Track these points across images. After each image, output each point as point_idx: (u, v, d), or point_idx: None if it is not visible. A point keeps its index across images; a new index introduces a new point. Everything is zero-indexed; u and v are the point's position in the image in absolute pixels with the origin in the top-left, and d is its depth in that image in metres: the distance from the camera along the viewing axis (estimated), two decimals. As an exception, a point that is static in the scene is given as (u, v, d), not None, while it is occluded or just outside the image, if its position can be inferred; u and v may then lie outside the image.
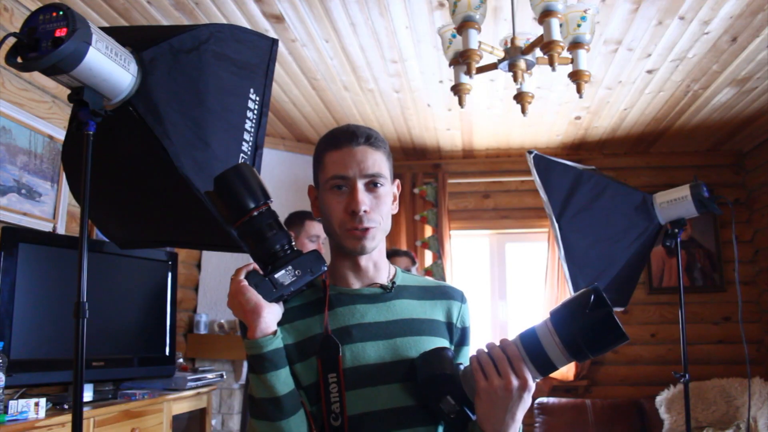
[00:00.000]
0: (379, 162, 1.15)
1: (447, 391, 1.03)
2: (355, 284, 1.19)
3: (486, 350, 1.04)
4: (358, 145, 1.15)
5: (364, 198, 1.13)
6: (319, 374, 1.08)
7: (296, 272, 1.08)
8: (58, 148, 2.72)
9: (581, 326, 0.97)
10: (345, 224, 1.14)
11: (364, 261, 1.19)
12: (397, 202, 1.24)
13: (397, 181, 1.26)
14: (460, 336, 1.22)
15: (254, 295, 1.04)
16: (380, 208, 1.15)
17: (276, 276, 1.07)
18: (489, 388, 0.99)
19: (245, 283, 1.05)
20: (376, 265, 1.21)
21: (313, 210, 1.23)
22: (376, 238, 1.15)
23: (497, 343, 1.04)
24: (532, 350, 1.00)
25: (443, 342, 1.18)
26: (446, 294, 1.25)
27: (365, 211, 1.12)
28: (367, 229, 1.13)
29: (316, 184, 1.22)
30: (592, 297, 0.97)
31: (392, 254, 3.29)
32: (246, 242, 1.10)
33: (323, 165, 1.18)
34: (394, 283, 1.21)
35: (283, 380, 1.05)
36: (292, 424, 1.04)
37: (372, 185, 1.15)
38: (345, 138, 1.15)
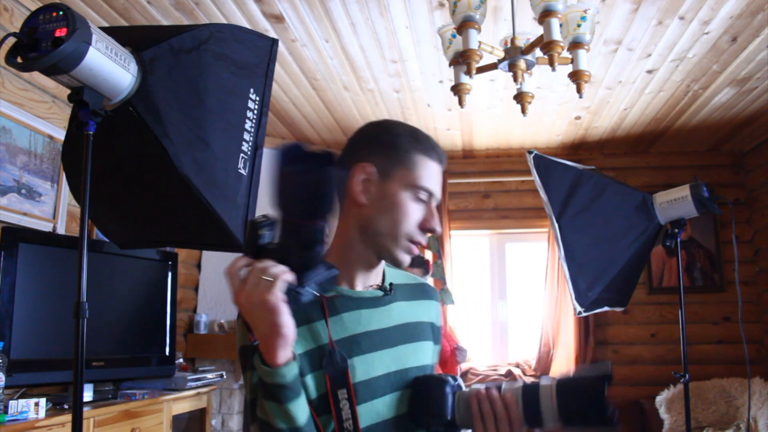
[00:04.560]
0: None
1: (441, 426, 1.04)
2: (359, 286, 1.11)
3: (487, 397, 1.02)
4: (442, 166, 1.12)
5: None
6: (327, 389, 1.01)
7: (317, 287, 0.97)
8: (58, 148, 2.72)
9: (585, 416, 0.99)
10: (413, 236, 1.07)
11: (381, 265, 1.14)
12: None
13: None
14: (435, 335, 1.21)
15: (290, 320, 0.89)
16: None
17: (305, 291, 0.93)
18: None
19: (283, 303, 0.88)
20: (377, 267, 1.14)
21: (355, 189, 1.08)
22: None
23: (499, 388, 1.03)
24: (529, 411, 1.01)
25: (430, 345, 1.17)
26: (427, 293, 1.23)
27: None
28: (422, 247, 1.11)
29: (386, 170, 1.08)
30: (606, 386, 0.98)
31: None
32: (286, 245, 0.93)
33: (415, 165, 1.08)
34: (391, 284, 1.16)
35: (303, 407, 0.95)
36: None
37: None
38: (438, 154, 1.12)
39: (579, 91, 1.90)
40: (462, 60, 1.85)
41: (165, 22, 2.84)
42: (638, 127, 4.30)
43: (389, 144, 1.10)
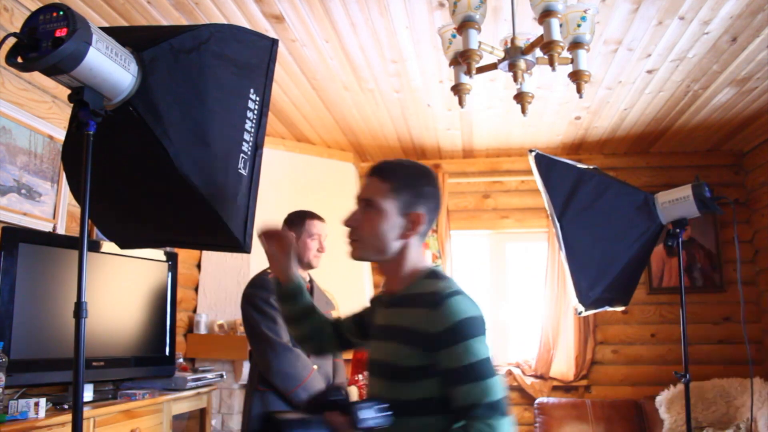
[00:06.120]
0: (373, 189, 1.40)
1: None
2: (384, 289, 1.48)
3: None
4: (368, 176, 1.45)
5: (351, 215, 1.43)
6: None
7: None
8: (58, 148, 2.72)
9: None
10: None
11: (382, 271, 1.46)
12: (403, 229, 1.40)
13: (415, 213, 1.40)
14: (415, 340, 1.30)
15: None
16: (364, 226, 1.39)
17: None
18: None
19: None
20: (391, 276, 1.44)
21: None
22: (358, 250, 1.42)
23: None
24: None
25: (405, 348, 1.32)
26: (415, 302, 1.35)
27: (351, 226, 1.43)
28: (350, 241, 1.43)
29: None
30: None
31: None
32: None
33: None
34: (404, 293, 1.39)
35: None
36: None
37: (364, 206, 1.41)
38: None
39: (579, 91, 1.90)
40: (462, 60, 1.85)
41: (165, 22, 2.84)
42: (638, 127, 4.30)
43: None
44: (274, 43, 1.62)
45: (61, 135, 2.72)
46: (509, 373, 4.62)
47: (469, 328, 1.25)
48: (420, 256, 1.43)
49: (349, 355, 3.12)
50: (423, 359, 1.26)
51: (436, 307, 1.27)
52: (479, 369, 1.21)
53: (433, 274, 1.40)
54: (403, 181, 1.41)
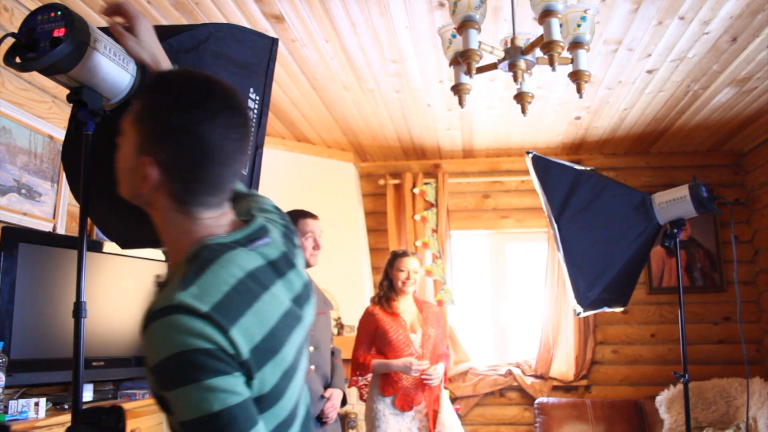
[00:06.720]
0: (130, 114, 0.94)
1: None
2: None
3: None
4: None
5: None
6: None
7: None
8: (58, 148, 2.72)
9: None
10: None
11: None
12: (136, 178, 0.93)
13: (144, 158, 0.91)
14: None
15: None
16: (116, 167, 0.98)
17: None
18: None
19: None
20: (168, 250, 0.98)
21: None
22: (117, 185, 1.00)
23: None
24: None
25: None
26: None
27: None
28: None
29: None
30: None
31: (402, 254, 3.27)
32: None
33: None
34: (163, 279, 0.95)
35: None
36: None
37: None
38: None
39: (579, 91, 1.90)
40: (462, 60, 1.85)
41: (165, 22, 2.84)
42: (638, 127, 4.30)
43: None
44: (273, 42, 1.62)
45: (61, 135, 2.72)
46: (509, 373, 4.62)
47: (185, 369, 0.79)
48: (187, 226, 0.94)
49: (348, 356, 3.12)
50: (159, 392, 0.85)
51: (143, 331, 0.83)
52: (201, 429, 0.79)
53: (190, 261, 0.88)
54: (152, 105, 0.91)
